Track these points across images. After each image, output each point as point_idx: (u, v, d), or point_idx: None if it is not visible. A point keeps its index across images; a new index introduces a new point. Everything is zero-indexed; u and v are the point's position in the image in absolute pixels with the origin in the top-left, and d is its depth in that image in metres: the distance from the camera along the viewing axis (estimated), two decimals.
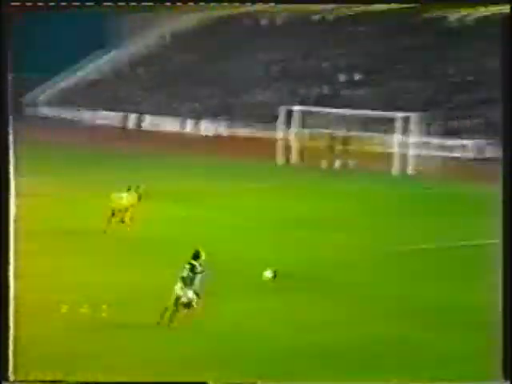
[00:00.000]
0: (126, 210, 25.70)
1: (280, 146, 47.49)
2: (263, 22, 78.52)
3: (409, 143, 44.04)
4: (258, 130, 60.02)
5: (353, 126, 52.87)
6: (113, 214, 25.58)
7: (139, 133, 62.17)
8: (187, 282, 16.73)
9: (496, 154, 45.23)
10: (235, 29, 76.17)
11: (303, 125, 51.45)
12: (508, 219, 11.84)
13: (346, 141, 46.48)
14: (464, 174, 41.19)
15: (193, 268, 16.76)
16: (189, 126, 64.66)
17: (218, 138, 60.74)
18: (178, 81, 70.02)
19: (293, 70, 68.80)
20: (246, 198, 33.14)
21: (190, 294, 16.69)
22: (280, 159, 46.72)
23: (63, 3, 12.92)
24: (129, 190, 25.87)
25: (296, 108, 49.76)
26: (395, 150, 49.56)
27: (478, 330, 16.80)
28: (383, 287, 20.44)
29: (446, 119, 52.96)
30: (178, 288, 16.77)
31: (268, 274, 19.57)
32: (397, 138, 50.07)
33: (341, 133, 49.82)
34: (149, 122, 66.08)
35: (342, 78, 64.23)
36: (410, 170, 42.71)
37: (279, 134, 48.74)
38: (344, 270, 21.70)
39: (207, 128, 62.98)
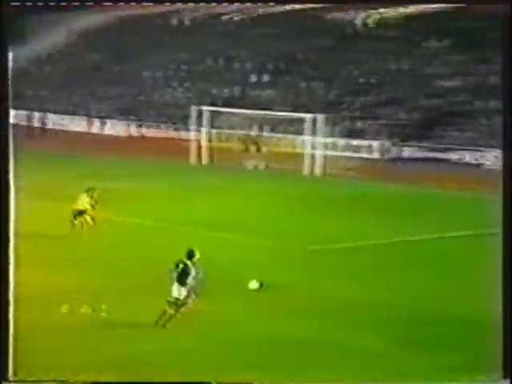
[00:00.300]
0: (86, 211, 25.59)
1: (192, 146, 47.20)
2: (174, 21, 78.24)
3: (317, 144, 44.51)
4: (171, 131, 59.63)
5: (264, 127, 52.98)
6: (75, 217, 25.48)
7: (44, 132, 60.94)
8: (181, 282, 16.92)
9: (400, 155, 46.00)
10: (146, 28, 75.71)
11: (214, 125, 51.38)
12: (508, 220, 12.00)
13: (257, 141, 46.46)
14: (371, 174, 41.79)
15: (185, 267, 16.92)
16: (97, 126, 63.92)
17: (129, 138, 60.51)
18: (87, 80, 69.14)
19: (204, 70, 68.65)
20: (157, 199, 33.04)
21: (184, 291, 16.90)
22: (193, 159, 46.59)
23: (63, 3, 12.73)
24: (87, 191, 25.76)
25: (206, 108, 49.44)
26: (306, 150, 49.94)
27: (384, 330, 17.30)
28: (297, 286, 20.68)
29: (350, 120, 53.57)
30: (175, 289, 17.00)
31: (253, 284, 19.55)
32: (306, 138, 50.44)
33: (252, 133, 49.85)
34: (55, 121, 65.05)
35: (253, 78, 64.34)
36: (319, 171, 43.04)
37: (191, 135, 48.29)
38: (255, 270, 21.75)
39: (117, 128, 62.24)
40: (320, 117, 45.44)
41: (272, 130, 53.19)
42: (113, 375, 13.83)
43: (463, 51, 54.87)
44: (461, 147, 46.64)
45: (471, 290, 20.74)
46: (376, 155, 49.55)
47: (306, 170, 42.95)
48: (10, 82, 11.43)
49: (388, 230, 28.03)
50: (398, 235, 27.19)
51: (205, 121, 48.65)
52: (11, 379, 11.61)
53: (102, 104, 65.48)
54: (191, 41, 72.48)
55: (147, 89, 68.89)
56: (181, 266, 16.97)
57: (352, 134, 52.07)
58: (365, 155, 48.85)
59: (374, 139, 50.96)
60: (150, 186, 35.78)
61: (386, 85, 55.38)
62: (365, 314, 18.40)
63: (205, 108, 50.46)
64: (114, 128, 62.56)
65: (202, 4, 72.70)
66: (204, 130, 48.13)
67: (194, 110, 49.09)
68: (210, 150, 47.46)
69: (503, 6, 11.64)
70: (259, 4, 73.12)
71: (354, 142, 50.63)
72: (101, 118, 64.04)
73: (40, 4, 12.49)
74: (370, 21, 64.09)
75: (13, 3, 11.54)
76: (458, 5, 56.21)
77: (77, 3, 12.54)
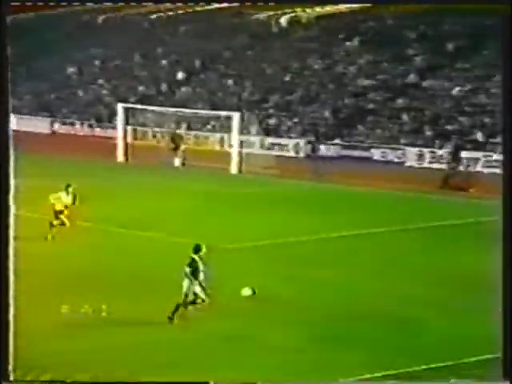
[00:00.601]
0: (64, 210, 25.04)
1: (119, 144, 46.72)
2: (99, 19, 77.79)
3: (234, 142, 44.37)
4: (97, 128, 59.34)
5: (182, 125, 52.90)
6: (56, 216, 24.95)
7: None
8: (191, 277, 17.18)
9: (318, 153, 46.05)
10: (70, 25, 75.14)
11: (134, 123, 50.88)
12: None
13: (177, 139, 46.04)
14: (289, 172, 41.69)
15: (192, 262, 17.21)
16: (15, 123, 62.57)
17: (52, 135, 59.64)
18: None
19: (124, 67, 68.30)
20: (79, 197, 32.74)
21: (197, 289, 17.23)
22: (120, 157, 46.12)
23: (64, 3, 12.17)
24: (66, 188, 25.26)
25: (127, 106, 49.27)
26: (224, 148, 49.89)
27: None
28: (216, 284, 20.12)
29: (267, 118, 53.68)
30: (185, 285, 17.26)
31: (246, 291, 19.24)
32: (224, 136, 50.37)
33: (172, 131, 49.75)
34: None
35: (172, 76, 63.96)
36: (236, 169, 43.15)
37: (117, 132, 47.77)
38: (175, 269, 20.83)
39: (38, 124, 61.19)
40: (236, 115, 45.22)
41: (190, 128, 53.09)
42: (113, 375, 13.97)
43: (378, 50, 55.02)
44: (383, 145, 46.76)
45: (391, 286, 21.04)
46: (293, 153, 49.62)
47: (224, 168, 42.87)
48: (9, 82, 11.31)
49: (306, 228, 28.16)
50: (316, 233, 27.33)
51: (119, 118, 48.04)
52: (11, 379, 11.56)
53: (23, 100, 64.19)
54: (112, 38, 71.90)
55: (68, 85, 68.10)
56: (188, 261, 17.35)
57: (269, 132, 52.04)
58: (282, 153, 48.87)
59: (291, 137, 51.11)
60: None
61: (302, 83, 55.49)
62: (286, 311, 18.54)
63: (126, 105, 49.99)
64: (35, 125, 61.33)
65: (120, 3, 72.26)
66: (122, 126, 47.52)
67: (119, 107, 48.40)
68: (132, 147, 46.97)
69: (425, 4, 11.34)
70: (179, 4, 72.60)
71: (272, 140, 50.65)
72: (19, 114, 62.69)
73: (40, 4, 12.16)
74: (285, 20, 64.13)
75: (13, 3, 11.55)
76: (373, 5, 56.77)
77: (76, 3, 12.07)
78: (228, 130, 48.35)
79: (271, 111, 54.41)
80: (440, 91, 49.45)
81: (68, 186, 25.44)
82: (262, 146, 49.80)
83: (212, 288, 19.24)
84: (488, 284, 20.71)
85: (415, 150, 45.16)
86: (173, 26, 71.15)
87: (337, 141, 48.93)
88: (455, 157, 41.05)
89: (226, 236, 26.39)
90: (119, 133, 47.32)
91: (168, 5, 73.51)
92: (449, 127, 46.88)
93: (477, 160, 43.29)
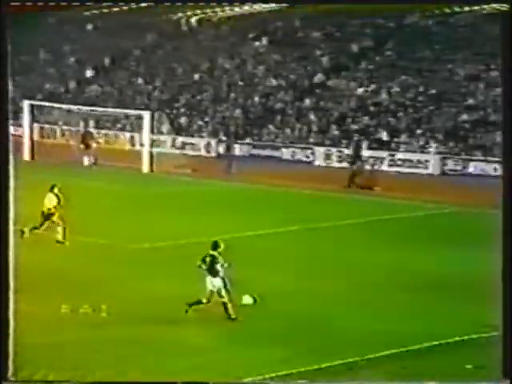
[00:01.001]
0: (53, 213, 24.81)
1: (25, 141, 46.16)
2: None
3: (148, 141, 44.33)
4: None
5: (91, 123, 52.44)
6: (45, 218, 24.70)
7: None
8: (213, 274, 17.77)
9: (229, 152, 46.37)
10: None
11: (41, 120, 50.15)
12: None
13: (86, 138, 45.68)
14: (200, 171, 42.04)
15: (214, 259, 17.78)
16: None
17: None
18: None
19: (30, 64, 67.28)
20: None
21: (218, 282, 17.76)
22: (26, 155, 45.59)
23: (63, 3, 12.24)
24: (52, 188, 24.98)
25: (34, 103, 48.44)
26: (134, 147, 49.59)
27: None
28: (120, 284, 20.71)
29: (178, 117, 53.73)
30: (208, 282, 17.82)
31: (247, 299, 19.01)
32: (135, 135, 50.15)
33: (81, 129, 49.24)
34: None
35: (81, 74, 63.41)
36: (147, 168, 43.11)
37: (22, 130, 47.17)
38: (80, 270, 21.82)
39: None
40: (147, 114, 45.26)
41: (100, 127, 52.69)
42: (113, 376, 13.95)
43: (286, 50, 55.64)
44: (292, 145, 47.41)
45: (302, 284, 21.35)
46: (204, 152, 49.92)
47: (135, 167, 42.72)
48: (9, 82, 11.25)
49: (217, 227, 28.05)
50: (226, 232, 26.80)
51: (25, 115, 47.38)
52: (11, 379, 11.52)
53: None
54: (17, 33, 70.62)
55: None
56: (208, 259, 17.81)
57: (180, 131, 52.21)
58: (194, 152, 49.06)
59: (202, 137, 51.40)
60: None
61: (212, 83, 55.73)
62: (194, 310, 18.41)
63: (33, 103, 49.25)
64: None
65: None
66: (28, 124, 46.87)
67: (25, 104, 47.74)
68: (39, 145, 46.47)
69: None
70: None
71: (183, 140, 50.82)
72: None
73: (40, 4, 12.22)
74: (195, 20, 64.25)
75: (13, 3, 11.45)
76: (285, 5, 57.44)
77: (76, 3, 12.29)
78: (139, 129, 48.27)
79: (182, 110, 54.52)
80: (345, 91, 50.37)
81: (53, 186, 25.10)
82: (173, 146, 49.87)
83: (123, 290, 19.81)
84: (399, 281, 21.68)
85: (323, 149, 45.96)
86: (80, 23, 70.46)
87: (247, 140, 49.46)
88: (358, 155, 41.98)
89: (135, 236, 26.29)
90: (25, 130, 46.62)
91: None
92: (354, 126, 47.78)
93: (382, 159, 44.34)
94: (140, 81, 59.67)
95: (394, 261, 23.68)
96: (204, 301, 17.93)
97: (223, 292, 17.82)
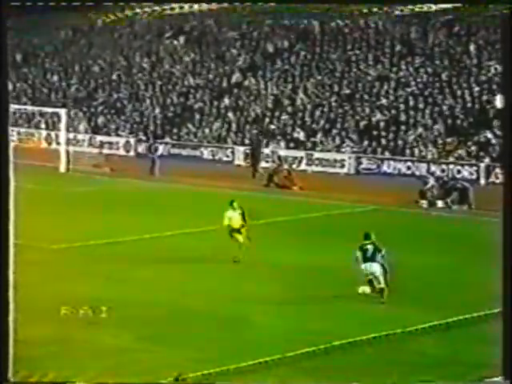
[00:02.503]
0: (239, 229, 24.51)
1: None
2: None
3: (64, 140, 44.01)
4: None
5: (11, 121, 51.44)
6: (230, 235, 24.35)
7: None
8: (371, 260, 19.85)
9: (153, 152, 46.23)
10: None
11: None
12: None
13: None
14: (119, 170, 41.95)
15: (375, 246, 19.98)
16: None
17: None
18: None
19: None
20: None
21: (376, 267, 19.82)
22: None
23: (63, 3, 12.07)
24: (232, 204, 24.65)
25: None
26: (50, 145, 48.91)
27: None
28: (40, 285, 20.62)
29: (94, 115, 53.46)
30: (368, 267, 19.86)
31: (365, 289, 20.40)
32: (50, 133, 49.42)
33: None
34: None
35: None
36: (64, 167, 42.59)
37: None
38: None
39: None
40: (63, 111, 44.67)
41: (13, 124, 51.77)
42: (113, 376, 13.96)
43: (203, 50, 55.82)
44: (212, 144, 47.56)
45: (221, 284, 21.68)
46: (123, 151, 49.55)
47: (51, 166, 42.30)
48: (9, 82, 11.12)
49: (136, 227, 28.27)
50: (145, 232, 27.46)
51: None
52: (11, 380, 11.48)
53: None
54: None
55: None
56: (369, 247, 19.96)
57: (98, 130, 51.81)
58: (112, 151, 48.74)
59: (121, 136, 51.09)
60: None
61: (128, 81, 55.45)
62: (111, 312, 18.44)
63: None
64: None
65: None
66: None
67: None
68: None
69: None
70: None
71: (101, 138, 50.40)
72: None
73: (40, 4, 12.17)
74: (110, 17, 63.82)
75: (13, 3, 11.51)
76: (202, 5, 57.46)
77: (76, 3, 12.29)
78: (54, 127, 47.72)
79: (100, 109, 54.17)
80: (262, 90, 50.69)
81: (232, 201, 24.29)
82: (91, 144, 49.49)
83: (43, 288, 19.94)
84: (314, 280, 22.07)
85: (242, 148, 46.31)
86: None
87: (167, 139, 49.45)
88: (256, 155, 42.55)
89: (51, 236, 26.15)
90: None
91: None
92: (272, 126, 48.16)
93: (300, 159, 44.94)
94: (55, 78, 58.91)
95: (310, 259, 24.04)
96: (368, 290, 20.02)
97: (381, 278, 19.78)
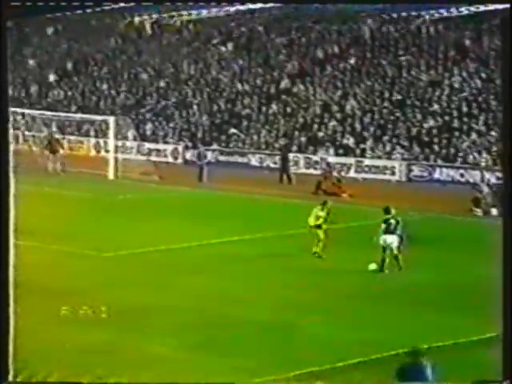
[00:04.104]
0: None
1: None
2: None
3: (113, 147, 44.14)
4: None
5: (55, 128, 51.92)
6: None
7: None
8: (390, 232, 22.95)
9: (193, 158, 46.11)
10: None
11: (12, 126, 49.41)
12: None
13: (59, 143, 45.12)
14: (168, 177, 41.68)
15: (396, 220, 23.15)
16: None
17: None
18: None
19: None
20: None
21: (393, 238, 22.90)
22: None
23: (63, 3, 12.06)
24: (323, 204, 25.83)
25: None
26: (100, 153, 49.14)
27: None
28: (92, 293, 20.66)
29: (143, 122, 53.46)
30: (389, 239, 22.89)
31: (372, 266, 23.35)
32: (99, 141, 49.67)
33: (47, 135, 48.77)
34: None
35: (43, 78, 62.73)
36: (113, 174, 42.69)
37: None
38: (51, 277, 21.86)
39: None
40: (112, 119, 44.81)
41: (63, 132, 52.18)
42: (113, 376, 13.96)
43: (248, 56, 55.58)
44: (260, 151, 47.25)
45: (269, 292, 21.36)
46: (171, 159, 49.52)
47: (100, 174, 42.40)
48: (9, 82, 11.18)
49: (185, 235, 28.12)
50: (194, 239, 27.31)
51: None
52: (11, 380, 11.39)
53: None
54: None
55: None
56: (392, 221, 22.95)
57: (146, 137, 51.76)
58: (160, 159, 48.65)
59: (168, 143, 51.02)
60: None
61: (176, 88, 55.40)
62: (160, 319, 18.52)
63: None
64: None
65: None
66: None
67: None
68: None
69: None
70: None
71: (149, 146, 50.37)
72: None
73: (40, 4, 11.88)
74: (158, 24, 63.89)
75: (13, 3, 11.46)
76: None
77: (76, 3, 12.24)
78: (103, 134, 47.87)
79: (148, 116, 54.21)
80: (311, 97, 50.35)
81: (325, 202, 25.77)
82: (139, 152, 49.53)
83: (90, 296, 19.83)
84: (365, 288, 21.73)
85: (290, 155, 45.94)
86: (41, 26, 69.67)
87: (214, 146, 49.22)
88: (285, 162, 42.29)
89: (101, 244, 26.14)
90: None
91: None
92: (321, 133, 47.75)
93: (349, 166, 44.44)
94: (104, 86, 59.14)
95: (361, 267, 23.63)
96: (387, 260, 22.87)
97: (396, 247, 22.81)
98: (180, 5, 61.18)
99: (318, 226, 24.95)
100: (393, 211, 23.11)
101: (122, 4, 64.50)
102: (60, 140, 46.50)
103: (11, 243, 11.34)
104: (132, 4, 63.20)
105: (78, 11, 67.58)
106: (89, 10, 67.12)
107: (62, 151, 44.87)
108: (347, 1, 49.24)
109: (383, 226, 23.05)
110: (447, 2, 47.04)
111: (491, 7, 49.30)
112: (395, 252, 22.91)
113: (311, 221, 25.04)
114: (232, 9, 61.61)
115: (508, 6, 12.25)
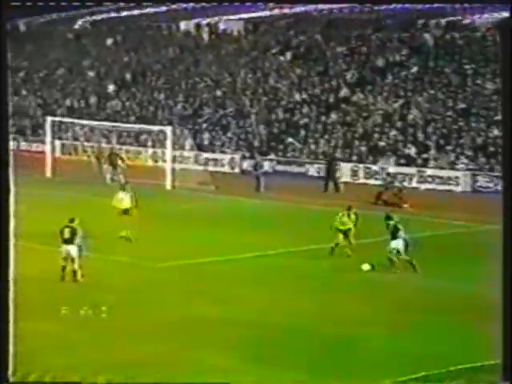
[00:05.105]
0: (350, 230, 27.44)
1: (47, 158, 45.69)
2: (21, 28, 76.26)
3: (167, 156, 43.94)
4: (22, 142, 58.41)
5: (112, 139, 52.10)
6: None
7: None
8: (394, 237, 24.26)
9: (251, 167, 45.75)
10: None
11: (64, 136, 49.89)
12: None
13: (118, 157, 45.04)
14: (224, 187, 41.43)
15: (396, 224, 24.46)
16: None
17: None
18: None
19: (51, 79, 67.13)
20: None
21: (399, 243, 24.04)
22: (48, 173, 45.08)
23: (63, 3, 12.67)
24: (349, 210, 27.33)
25: (56, 119, 48.41)
26: (156, 163, 49.23)
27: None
28: (147, 304, 20.63)
29: (200, 132, 53.18)
30: (393, 244, 24.17)
31: (365, 266, 24.27)
32: (156, 151, 49.79)
33: (104, 145, 48.96)
34: None
35: (102, 89, 62.93)
36: (170, 184, 42.46)
37: (43, 146, 46.64)
38: (106, 287, 21.81)
39: None
40: (169, 129, 44.64)
41: (121, 143, 52.33)
42: (113, 376, 14.08)
43: (306, 65, 54.90)
44: (318, 160, 46.61)
45: (327, 305, 21.03)
46: (228, 169, 49.27)
47: (158, 184, 42.27)
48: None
49: (242, 245, 27.80)
50: (251, 250, 27.02)
51: (48, 132, 47.01)
52: (11, 380, 11.56)
53: None
54: (36, 48, 70.58)
55: None
56: (391, 223, 24.39)
57: (203, 147, 51.47)
58: (217, 168, 48.37)
59: (225, 152, 50.72)
60: None
61: (233, 97, 55.05)
62: (218, 331, 18.30)
63: (55, 119, 49.00)
64: None
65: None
66: (50, 140, 46.45)
67: (48, 120, 47.35)
68: (61, 162, 45.88)
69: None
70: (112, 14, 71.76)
71: (207, 155, 50.13)
72: None
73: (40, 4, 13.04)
74: (215, 33, 63.72)
75: (13, 3, 11.57)
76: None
77: (77, 3, 12.49)
78: (161, 144, 47.79)
79: (205, 126, 53.91)
80: (371, 106, 49.60)
81: (349, 208, 27.13)
82: (196, 162, 49.31)
83: (146, 308, 19.71)
84: (426, 301, 21.05)
85: (350, 165, 45.12)
86: (99, 37, 70.12)
87: (271, 156, 48.81)
88: (332, 175, 41.62)
89: (157, 254, 26.05)
90: (47, 147, 46.23)
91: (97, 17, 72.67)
92: (381, 143, 46.96)
93: (411, 175, 43.51)
94: (162, 96, 59.04)
95: (422, 280, 23.27)
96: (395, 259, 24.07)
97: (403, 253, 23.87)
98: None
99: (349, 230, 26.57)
100: (395, 218, 24.62)
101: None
102: (119, 154, 46.13)
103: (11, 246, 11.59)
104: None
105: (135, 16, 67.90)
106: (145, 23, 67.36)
107: (121, 165, 44.49)
108: (353, 1, 48.58)
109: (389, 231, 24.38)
110: (448, 3, 45.90)
111: None
112: (405, 257, 23.97)
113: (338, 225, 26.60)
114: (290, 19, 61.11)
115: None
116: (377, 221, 32.80)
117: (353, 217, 26.77)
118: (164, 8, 66.14)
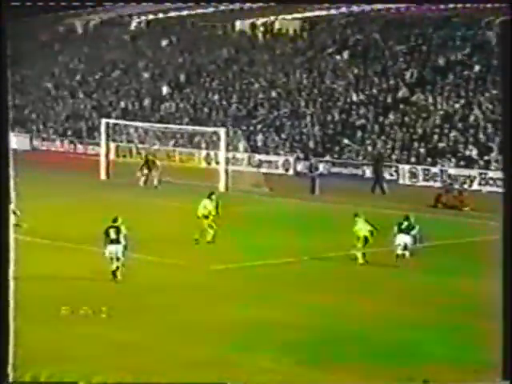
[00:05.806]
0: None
1: (102, 161, 45.63)
2: (77, 30, 76.58)
3: (220, 158, 43.66)
4: (79, 145, 58.56)
5: (166, 141, 52.02)
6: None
7: None
8: (405, 232, 25.18)
9: (305, 169, 45.04)
10: (46, 36, 73.82)
11: (117, 139, 49.83)
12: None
13: (155, 163, 44.53)
14: (278, 189, 40.98)
15: (409, 223, 25.29)
16: None
17: (34, 152, 58.51)
18: None
19: (105, 81, 67.19)
20: (61, 217, 32.28)
21: (408, 239, 25.13)
22: (103, 175, 45.01)
23: (63, 3, 12.38)
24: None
25: (111, 121, 48.52)
26: (210, 165, 49.04)
27: None
28: (200, 306, 20.52)
29: (254, 134, 52.71)
30: (399, 238, 25.16)
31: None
32: (210, 153, 49.52)
33: (156, 147, 48.83)
34: None
35: (156, 91, 62.74)
36: (223, 186, 42.08)
37: (98, 149, 47.02)
38: (157, 290, 21.88)
39: (19, 141, 59.87)
40: (223, 131, 44.25)
41: (174, 144, 52.19)
42: (112, 376, 14.11)
43: (364, 64, 53.95)
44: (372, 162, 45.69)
45: (382, 309, 20.69)
46: (282, 170, 48.76)
47: (211, 186, 41.63)
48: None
49: (297, 248, 27.37)
50: (304, 253, 26.60)
51: (103, 134, 46.86)
52: (11, 380, 11.59)
53: None
54: (92, 50, 70.76)
55: (47, 99, 66.79)
56: (405, 222, 25.20)
57: (256, 148, 50.94)
58: (271, 170, 47.92)
59: (279, 154, 50.17)
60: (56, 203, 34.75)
61: (288, 98, 54.32)
62: (271, 334, 18.10)
63: (110, 121, 49.00)
64: (13, 141, 59.86)
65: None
66: (105, 143, 46.21)
67: (102, 122, 47.25)
68: (115, 164, 45.70)
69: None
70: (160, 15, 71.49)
71: (260, 157, 49.69)
72: None
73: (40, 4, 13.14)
74: (271, 32, 63.07)
75: (13, 3, 11.63)
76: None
77: (77, 3, 12.07)
78: (214, 146, 47.38)
79: (259, 127, 53.28)
80: (431, 106, 48.45)
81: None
82: (250, 163, 48.91)
83: (202, 310, 19.73)
84: (478, 305, 20.08)
85: (408, 167, 44.11)
86: (154, 38, 69.99)
87: (327, 158, 48.05)
88: (378, 174, 41.00)
89: (209, 257, 25.85)
90: (102, 149, 46.03)
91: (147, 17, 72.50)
92: (441, 144, 45.80)
93: (472, 178, 42.39)
94: (216, 97, 58.47)
95: (480, 285, 22.22)
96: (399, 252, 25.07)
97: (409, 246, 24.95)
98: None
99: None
100: (412, 219, 25.47)
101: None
102: (155, 160, 45.48)
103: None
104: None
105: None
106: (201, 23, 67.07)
107: (157, 168, 43.97)
108: (354, 1, 47.67)
109: (398, 226, 25.37)
110: (449, 3, 44.45)
111: None
112: (405, 251, 25.09)
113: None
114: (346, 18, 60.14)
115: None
116: (436, 224, 32.07)
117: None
118: (221, 7, 65.58)
